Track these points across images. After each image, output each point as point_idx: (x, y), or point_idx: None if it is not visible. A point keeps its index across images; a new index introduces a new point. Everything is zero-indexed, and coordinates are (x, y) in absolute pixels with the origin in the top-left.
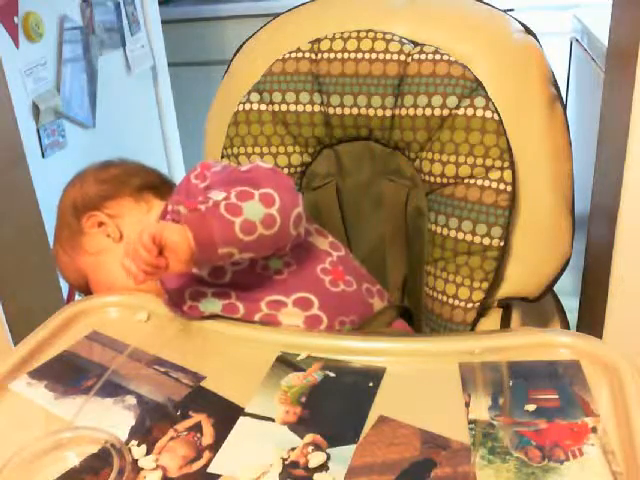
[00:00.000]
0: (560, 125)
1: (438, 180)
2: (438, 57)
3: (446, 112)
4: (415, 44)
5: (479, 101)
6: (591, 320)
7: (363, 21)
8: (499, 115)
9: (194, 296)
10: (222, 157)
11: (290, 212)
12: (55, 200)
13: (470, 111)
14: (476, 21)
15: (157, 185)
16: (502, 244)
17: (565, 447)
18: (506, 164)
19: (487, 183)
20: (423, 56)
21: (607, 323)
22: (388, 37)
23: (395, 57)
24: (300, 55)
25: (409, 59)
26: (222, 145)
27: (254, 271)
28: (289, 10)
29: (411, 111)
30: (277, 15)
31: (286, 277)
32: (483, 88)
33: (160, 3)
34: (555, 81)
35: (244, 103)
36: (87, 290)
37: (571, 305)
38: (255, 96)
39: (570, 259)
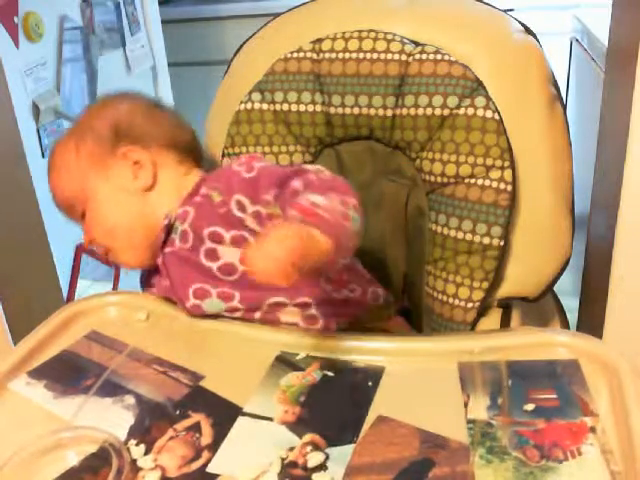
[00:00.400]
0: (560, 125)
1: (439, 180)
2: (439, 57)
3: (447, 112)
4: (416, 44)
5: (480, 101)
6: (591, 320)
7: (363, 21)
8: (499, 115)
9: (198, 294)
10: (223, 156)
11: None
12: None
13: (471, 111)
14: (476, 21)
15: (199, 152)
16: (502, 244)
17: (564, 447)
18: (506, 164)
19: (487, 182)
20: (424, 56)
21: (607, 323)
22: (389, 37)
23: (396, 57)
24: (302, 55)
25: (410, 59)
26: (223, 145)
27: None
28: (289, 10)
29: (412, 111)
30: (277, 15)
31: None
32: (484, 88)
33: (160, 3)
34: (555, 81)
35: (246, 102)
36: (69, 212)
37: (571, 305)
38: (257, 95)
39: (570, 259)
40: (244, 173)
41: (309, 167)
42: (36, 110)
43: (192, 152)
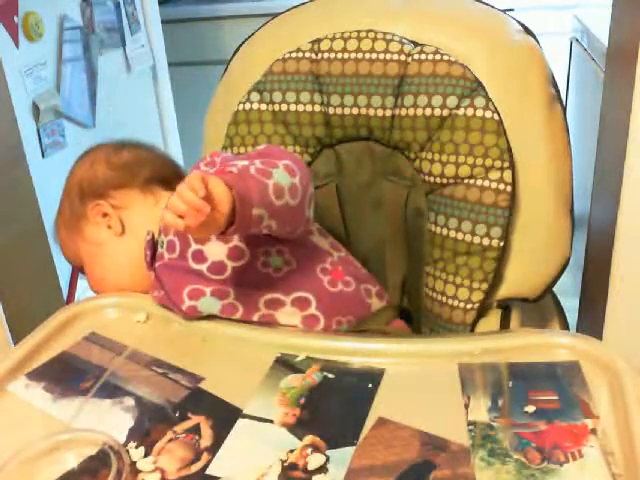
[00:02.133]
0: (559, 125)
1: (438, 180)
2: (438, 57)
3: (446, 112)
4: (415, 44)
5: (479, 101)
6: (591, 320)
7: (362, 21)
8: (499, 115)
9: (192, 295)
10: None
11: (307, 188)
12: (55, 200)
13: (470, 111)
14: (475, 21)
15: (168, 177)
16: (502, 244)
17: (565, 449)
18: (506, 164)
19: (487, 183)
20: (423, 56)
21: (607, 323)
22: (388, 37)
23: (395, 57)
24: (300, 55)
25: (409, 59)
26: (222, 145)
27: (254, 267)
28: (288, 10)
29: (411, 111)
30: (276, 15)
31: (285, 275)
32: (483, 88)
33: (160, 3)
34: (554, 81)
35: (244, 103)
36: (82, 267)
37: (571, 305)
38: (255, 96)
39: (569, 259)
40: (203, 166)
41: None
42: (36, 110)
43: (160, 181)
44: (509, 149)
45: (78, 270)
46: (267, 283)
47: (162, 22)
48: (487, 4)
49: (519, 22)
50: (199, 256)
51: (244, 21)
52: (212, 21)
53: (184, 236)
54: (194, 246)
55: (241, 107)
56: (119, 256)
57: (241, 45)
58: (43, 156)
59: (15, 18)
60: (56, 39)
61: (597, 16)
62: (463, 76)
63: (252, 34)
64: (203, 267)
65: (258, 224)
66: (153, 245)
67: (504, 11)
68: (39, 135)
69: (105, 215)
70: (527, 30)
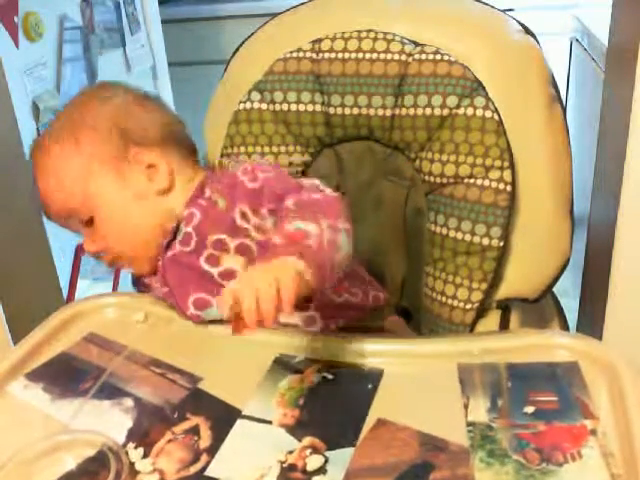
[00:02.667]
0: (559, 125)
1: (438, 180)
2: (439, 57)
3: (446, 112)
4: (416, 44)
5: (479, 101)
6: (591, 320)
7: (361, 21)
8: (499, 115)
9: (199, 305)
10: (222, 156)
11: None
12: None
13: (470, 111)
14: (475, 21)
15: (193, 144)
16: (501, 244)
17: (564, 449)
18: (506, 164)
19: (487, 183)
20: (424, 56)
21: (607, 323)
22: (389, 37)
23: (396, 57)
24: (301, 55)
25: (410, 59)
26: (222, 144)
27: None
28: (287, 10)
29: (411, 111)
30: (276, 15)
31: None
32: (483, 88)
33: (160, 3)
34: (554, 81)
35: (245, 102)
36: (67, 220)
37: (571, 305)
38: (256, 95)
39: (569, 259)
40: (248, 183)
41: (306, 183)
42: (36, 110)
43: (190, 145)
44: (509, 149)
45: (54, 214)
46: None
47: (162, 22)
48: (487, 4)
49: (519, 22)
50: (213, 260)
51: (244, 21)
52: (212, 21)
53: (203, 234)
54: (210, 250)
55: (242, 107)
56: (147, 216)
57: (241, 45)
58: None
59: (15, 18)
60: (56, 39)
61: (597, 16)
62: (463, 76)
63: (252, 34)
64: (214, 271)
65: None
66: (174, 232)
67: (504, 11)
68: (39, 135)
69: (151, 167)
70: (527, 30)
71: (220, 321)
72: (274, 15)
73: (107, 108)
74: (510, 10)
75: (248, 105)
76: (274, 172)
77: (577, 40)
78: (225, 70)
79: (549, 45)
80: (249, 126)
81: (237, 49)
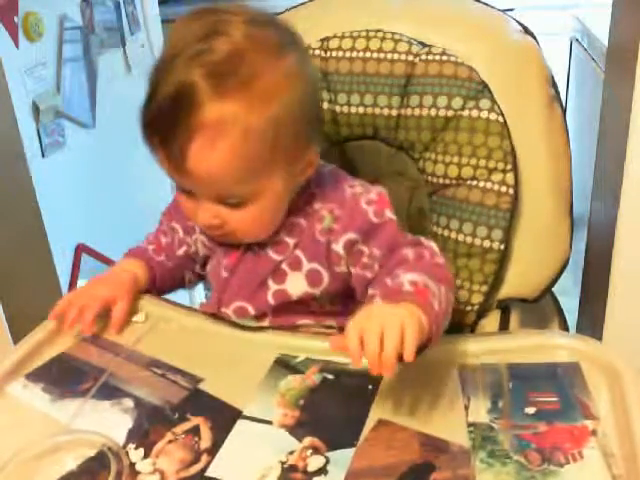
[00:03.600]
0: (559, 125)
1: (440, 181)
2: (445, 58)
3: (451, 113)
4: (423, 45)
5: (484, 103)
6: (591, 320)
7: (362, 21)
8: (504, 117)
9: (238, 312)
10: None
11: None
12: (55, 199)
13: (475, 113)
14: (475, 21)
15: None
16: (502, 247)
17: (565, 450)
18: (509, 167)
19: (489, 185)
20: (430, 57)
21: (607, 323)
22: (397, 37)
23: (403, 57)
24: (310, 52)
25: (417, 59)
26: None
27: (309, 308)
28: (287, 10)
29: (416, 111)
30: (276, 15)
31: (328, 310)
32: (489, 90)
33: (160, 2)
34: (554, 82)
35: None
36: (207, 187)
37: (571, 305)
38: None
39: (569, 259)
40: (372, 216)
41: (423, 241)
42: (36, 110)
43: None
44: (512, 152)
45: (199, 187)
46: (306, 314)
47: (162, 22)
48: (487, 4)
49: (519, 22)
50: (279, 277)
51: None
52: None
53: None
54: (283, 267)
55: None
56: (284, 208)
57: None
58: (43, 156)
59: (15, 18)
60: (56, 39)
61: (597, 16)
62: (469, 77)
63: None
64: (273, 287)
65: None
66: None
67: (504, 11)
68: (39, 135)
69: (310, 164)
70: (527, 30)
71: (219, 318)
72: (274, 15)
73: (295, 84)
74: (510, 10)
75: None
76: (395, 217)
77: (577, 40)
78: None
79: (549, 45)
80: None
81: None
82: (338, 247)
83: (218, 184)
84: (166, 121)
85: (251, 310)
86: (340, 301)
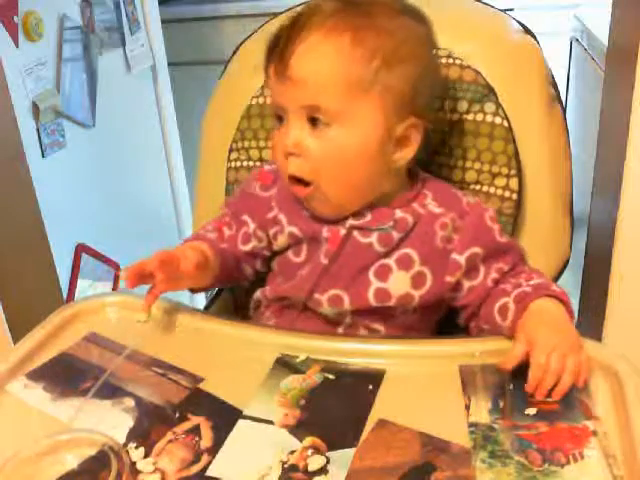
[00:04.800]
0: (559, 125)
1: None
2: (451, 61)
3: (456, 116)
4: None
5: (489, 107)
6: (591, 319)
7: None
8: (509, 122)
9: (332, 301)
10: (231, 151)
11: None
12: (55, 199)
13: (480, 116)
14: (475, 21)
15: None
16: None
17: (566, 451)
18: (513, 171)
19: (492, 190)
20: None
21: (607, 322)
22: None
23: None
24: None
25: None
26: (224, 140)
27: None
28: (288, 10)
29: None
30: (276, 15)
31: (401, 322)
32: (494, 94)
33: (160, 2)
34: (554, 81)
35: (258, 97)
36: (300, 100)
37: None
38: (269, 90)
39: (569, 259)
40: (497, 235)
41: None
42: (36, 109)
43: None
44: (517, 156)
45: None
46: (380, 323)
47: (162, 22)
48: (487, 4)
49: (519, 22)
50: (383, 273)
51: (244, 21)
52: (212, 21)
53: (398, 247)
54: (392, 263)
55: (254, 101)
56: (377, 162)
57: (241, 45)
58: (43, 156)
59: (15, 18)
60: (56, 39)
61: (597, 16)
62: (475, 81)
63: (252, 33)
64: (376, 284)
65: None
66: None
67: (504, 11)
68: (39, 135)
69: (405, 137)
70: (527, 30)
71: (220, 318)
72: (274, 15)
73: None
74: (510, 10)
75: (261, 100)
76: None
77: (577, 40)
78: (224, 70)
79: (549, 45)
80: (261, 120)
81: (237, 49)
82: (461, 258)
83: (313, 88)
84: (283, 32)
85: (346, 301)
86: (421, 313)
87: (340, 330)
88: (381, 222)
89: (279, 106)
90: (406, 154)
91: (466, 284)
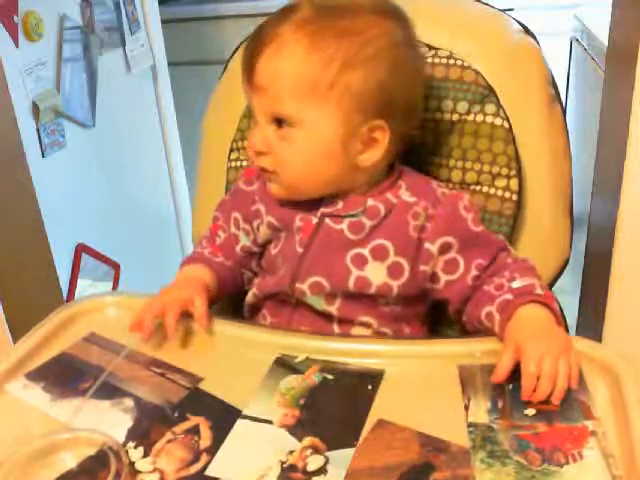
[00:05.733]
0: (559, 125)
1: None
2: (452, 62)
3: (456, 117)
4: (430, 47)
5: (489, 108)
6: (591, 319)
7: None
8: (509, 123)
9: (314, 289)
10: (232, 150)
11: None
12: (55, 199)
13: (480, 117)
14: (475, 21)
15: None
16: None
17: (565, 450)
18: (513, 172)
19: (492, 191)
20: (437, 60)
21: (607, 321)
22: None
23: None
24: None
25: None
26: (224, 139)
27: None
28: None
29: (421, 114)
30: None
31: (390, 311)
32: (495, 95)
33: (160, 2)
34: (554, 81)
35: None
36: (266, 103)
37: (571, 304)
38: None
39: (569, 259)
40: (471, 224)
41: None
42: (36, 110)
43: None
44: (517, 157)
45: (261, 97)
46: (370, 314)
47: (162, 22)
48: (487, 4)
49: (519, 22)
50: (359, 261)
51: (244, 21)
52: (212, 21)
53: (373, 237)
54: (366, 253)
55: None
56: (338, 156)
57: (241, 44)
58: (43, 156)
59: (15, 17)
60: (56, 39)
61: (597, 16)
62: (475, 82)
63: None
64: (356, 272)
65: None
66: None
67: (504, 11)
68: (39, 135)
69: (373, 140)
70: (527, 30)
71: (220, 318)
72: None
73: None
74: (510, 10)
75: None
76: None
77: (577, 40)
78: (224, 70)
79: (549, 45)
80: None
81: (237, 49)
82: (433, 247)
83: (273, 95)
84: (255, 39)
85: (327, 286)
86: (405, 303)
87: (335, 326)
88: (351, 209)
89: (251, 109)
90: (373, 155)
91: (443, 277)
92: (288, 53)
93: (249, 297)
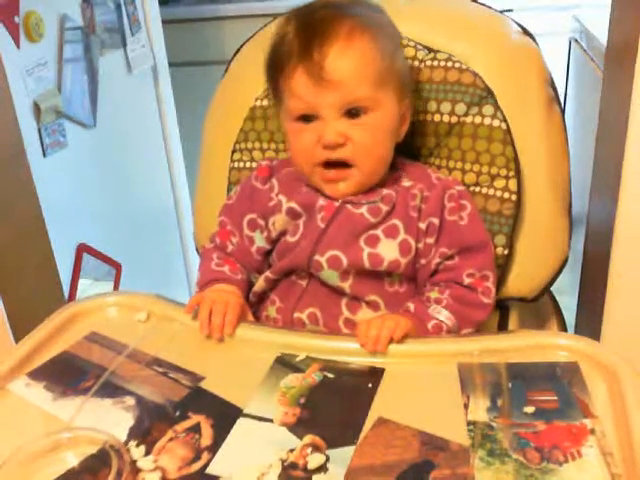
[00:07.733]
0: (558, 126)
1: None
2: (450, 64)
3: (454, 119)
4: (429, 50)
5: (487, 109)
6: (589, 318)
7: None
8: (507, 124)
9: (331, 263)
10: (234, 151)
11: None
12: (56, 199)
13: (478, 119)
14: (474, 22)
15: None
16: (506, 252)
17: (564, 449)
18: (511, 173)
19: (492, 192)
20: (436, 62)
21: (605, 321)
22: (404, 42)
23: (409, 62)
24: None
25: (422, 65)
26: (226, 140)
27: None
28: (289, 10)
29: (421, 116)
30: (277, 16)
31: (394, 291)
32: (493, 96)
33: (161, 3)
34: (553, 82)
35: (262, 99)
36: (336, 95)
37: (569, 303)
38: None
39: (567, 259)
40: (446, 214)
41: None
42: (37, 110)
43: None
44: (515, 158)
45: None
46: (378, 293)
47: (162, 22)
48: (486, 5)
49: (518, 23)
50: (373, 241)
51: (244, 21)
52: (212, 21)
53: (385, 219)
54: (380, 233)
55: (258, 103)
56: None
57: (242, 46)
58: (44, 156)
59: (16, 18)
60: (57, 39)
61: (596, 16)
62: (473, 84)
63: (253, 35)
64: (367, 250)
65: None
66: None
67: (503, 12)
68: (40, 135)
69: (403, 115)
70: (526, 31)
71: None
72: (275, 16)
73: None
74: (509, 11)
75: (265, 102)
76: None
77: (576, 40)
78: (226, 71)
79: (548, 45)
80: (265, 122)
81: (238, 50)
82: (423, 226)
83: (348, 87)
84: (306, 37)
85: (344, 261)
86: (405, 282)
87: (343, 306)
88: (371, 197)
89: (310, 106)
90: (403, 130)
91: (421, 259)
92: (357, 48)
93: (258, 285)
